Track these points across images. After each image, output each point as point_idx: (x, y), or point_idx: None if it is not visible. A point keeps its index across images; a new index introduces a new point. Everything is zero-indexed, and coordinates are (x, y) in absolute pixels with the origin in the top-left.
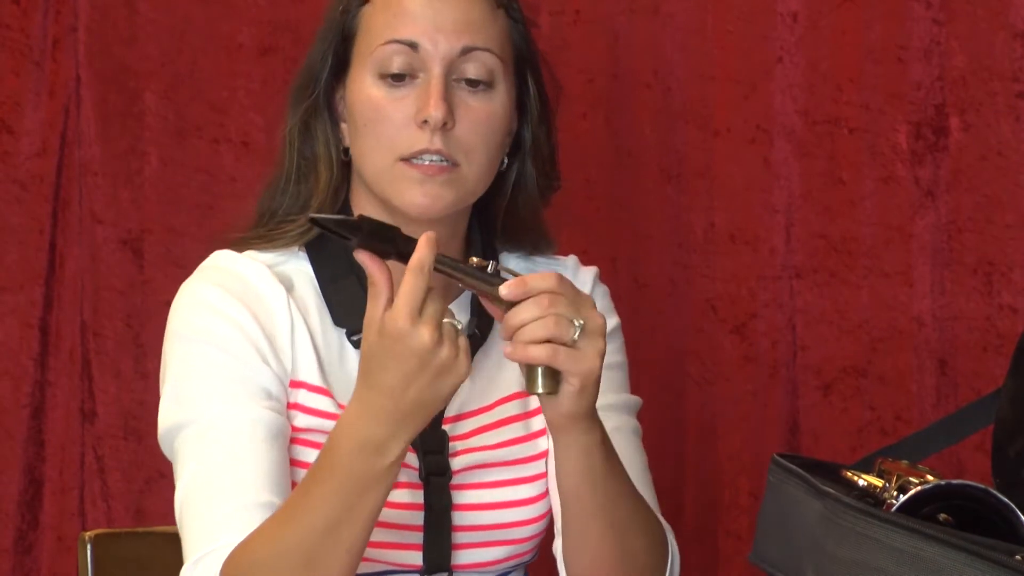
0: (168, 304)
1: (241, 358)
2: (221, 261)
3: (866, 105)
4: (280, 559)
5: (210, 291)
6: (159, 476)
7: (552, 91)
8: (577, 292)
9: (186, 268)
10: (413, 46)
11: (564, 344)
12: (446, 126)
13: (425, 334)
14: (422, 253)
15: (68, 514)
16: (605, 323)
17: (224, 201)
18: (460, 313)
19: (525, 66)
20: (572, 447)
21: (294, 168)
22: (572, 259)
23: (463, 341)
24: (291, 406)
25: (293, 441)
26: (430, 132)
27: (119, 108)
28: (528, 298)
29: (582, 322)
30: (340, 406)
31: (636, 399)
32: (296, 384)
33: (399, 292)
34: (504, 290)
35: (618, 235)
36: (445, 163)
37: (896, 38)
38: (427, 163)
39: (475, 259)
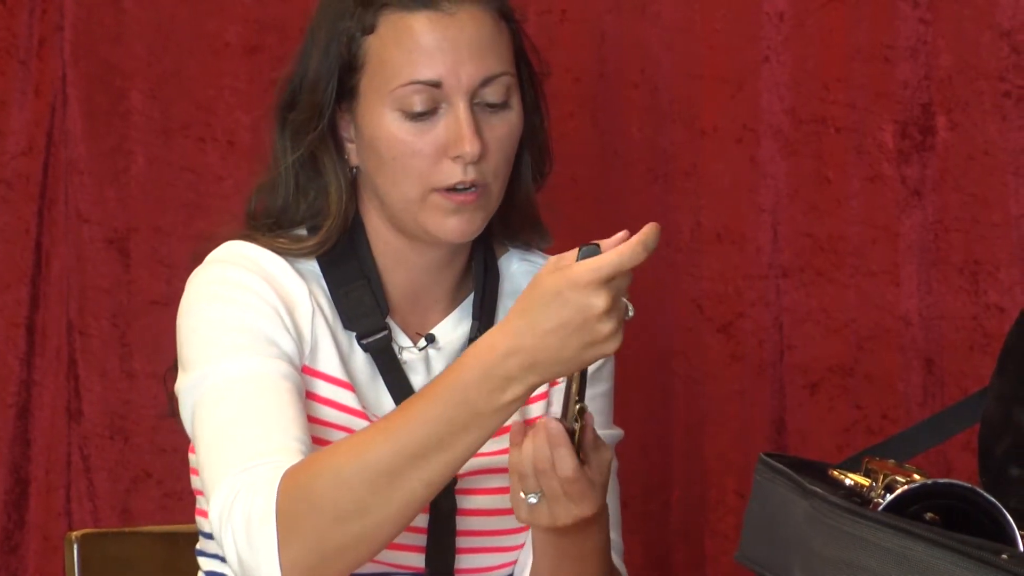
0: (154, 303)
1: (265, 322)
2: (239, 249)
3: (853, 104)
4: (361, 470)
5: (230, 269)
6: (145, 476)
7: (541, 75)
8: None
9: (172, 267)
10: (436, 85)
11: None
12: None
13: (601, 301)
14: (649, 237)
15: (54, 514)
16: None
17: (210, 200)
18: (463, 317)
19: (522, 62)
20: (576, 551)
21: (299, 190)
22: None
23: (624, 322)
24: (307, 395)
25: (315, 439)
26: (463, 164)
27: (105, 107)
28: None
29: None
30: (362, 405)
31: (619, 433)
32: (313, 372)
33: (604, 253)
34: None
35: (605, 234)
36: (476, 189)
37: (883, 37)
38: (462, 192)
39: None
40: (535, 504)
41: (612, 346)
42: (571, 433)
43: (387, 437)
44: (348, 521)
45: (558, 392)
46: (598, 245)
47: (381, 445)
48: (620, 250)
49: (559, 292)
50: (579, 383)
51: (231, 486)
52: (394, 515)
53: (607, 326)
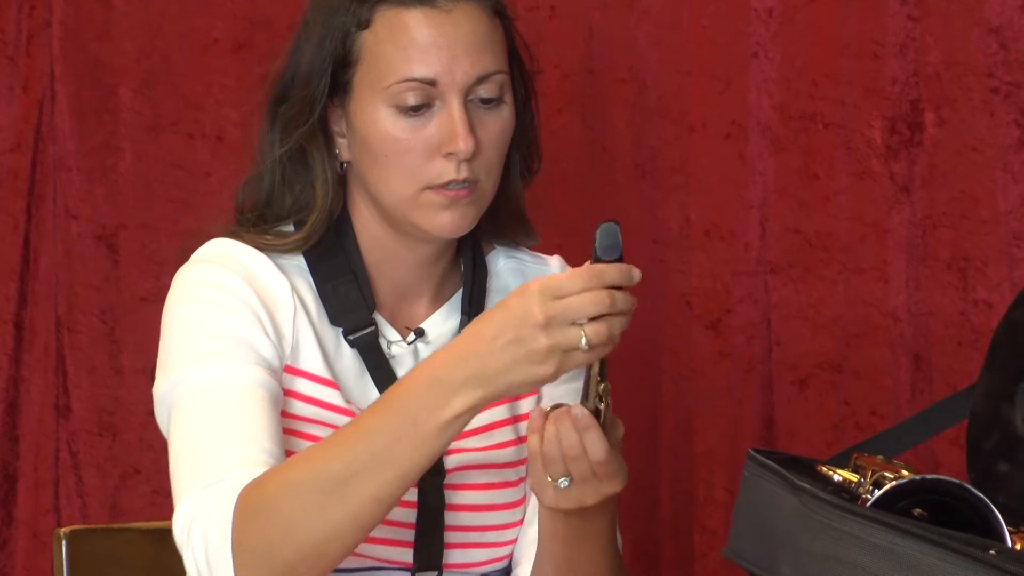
0: (143, 300)
1: (244, 326)
2: (223, 247)
3: (841, 100)
4: (311, 480)
5: (212, 270)
6: (134, 472)
7: (532, 72)
8: None
9: (161, 264)
10: (431, 83)
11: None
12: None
13: (539, 310)
14: (616, 273)
15: (43, 510)
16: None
17: (199, 196)
18: (451, 312)
19: (514, 60)
20: (591, 531)
21: (286, 184)
22: (557, 259)
23: (574, 357)
24: (287, 393)
25: (292, 433)
26: (456, 162)
27: (94, 103)
28: None
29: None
30: (347, 401)
31: None
32: (294, 371)
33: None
34: None
35: (593, 230)
36: (468, 185)
37: (871, 33)
38: (454, 189)
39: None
40: (565, 488)
41: (545, 369)
42: (595, 413)
43: (336, 448)
44: (298, 533)
45: (548, 388)
46: (616, 223)
47: (330, 456)
48: (572, 272)
49: (507, 299)
50: (600, 363)
51: (191, 505)
52: (344, 529)
53: (541, 339)
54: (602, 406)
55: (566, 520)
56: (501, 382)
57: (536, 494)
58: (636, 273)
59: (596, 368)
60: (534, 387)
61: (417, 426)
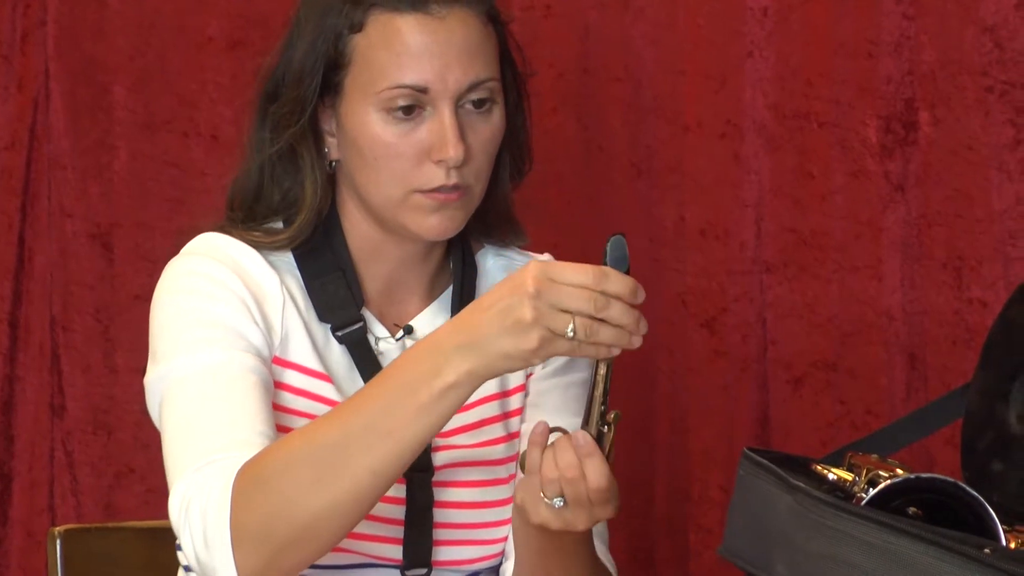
0: (137, 298)
1: (233, 315)
2: (212, 241)
3: (836, 100)
4: (309, 453)
5: (201, 261)
6: (128, 471)
7: (525, 75)
8: None
9: (156, 262)
10: (423, 91)
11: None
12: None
13: (530, 283)
14: (620, 282)
15: (37, 509)
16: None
17: (194, 195)
18: (441, 310)
19: (507, 64)
20: (563, 545)
21: (275, 182)
22: (547, 257)
23: (558, 343)
24: (277, 385)
25: (283, 428)
26: (446, 168)
27: (88, 102)
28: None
29: None
30: (342, 396)
31: None
32: (284, 363)
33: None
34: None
35: (588, 230)
36: (458, 189)
37: (866, 33)
38: (443, 193)
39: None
40: (559, 508)
41: (527, 342)
42: (597, 438)
43: (335, 419)
44: (295, 509)
45: (535, 383)
46: (622, 236)
47: (328, 427)
48: (580, 265)
49: (510, 275)
50: (604, 386)
51: (187, 486)
52: (341, 504)
53: (527, 309)
54: (606, 430)
55: (539, 533)
56: (489, 350)
57: (526, 510)
58: (641, 293)
59: (600, 390)
60: (521, 363)
61: (412, 394)
